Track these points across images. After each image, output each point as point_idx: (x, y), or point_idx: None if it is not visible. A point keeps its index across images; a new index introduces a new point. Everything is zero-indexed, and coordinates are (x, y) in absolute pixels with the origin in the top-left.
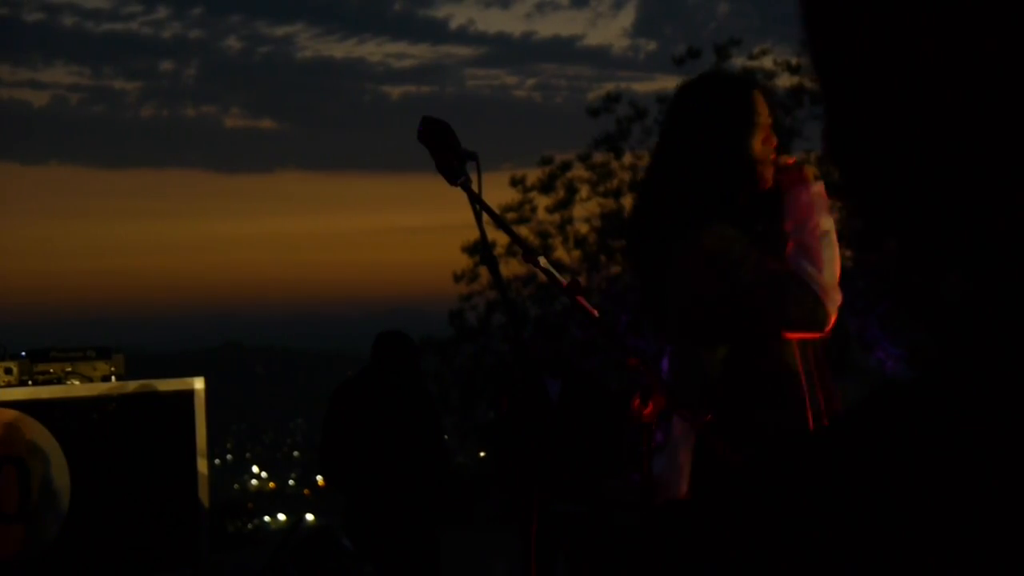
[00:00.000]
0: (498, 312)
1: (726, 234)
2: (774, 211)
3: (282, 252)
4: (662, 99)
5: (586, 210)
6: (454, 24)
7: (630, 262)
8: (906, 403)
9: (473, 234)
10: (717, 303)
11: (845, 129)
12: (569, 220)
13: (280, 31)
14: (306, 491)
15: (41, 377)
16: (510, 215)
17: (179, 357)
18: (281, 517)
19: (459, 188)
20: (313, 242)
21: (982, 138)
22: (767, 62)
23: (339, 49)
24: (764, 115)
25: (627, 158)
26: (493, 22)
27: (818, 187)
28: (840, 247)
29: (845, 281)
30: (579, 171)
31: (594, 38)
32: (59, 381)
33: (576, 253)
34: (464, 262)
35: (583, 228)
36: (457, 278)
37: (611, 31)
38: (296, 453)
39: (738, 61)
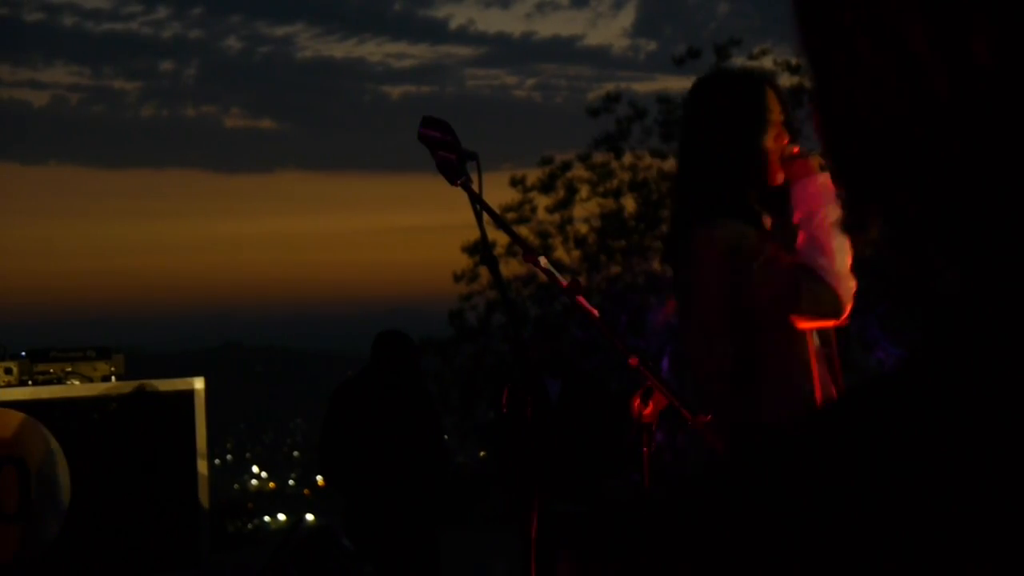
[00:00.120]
0: (498, 312)
1: (739, 229)
2: (785, 207)
3: (282, 252)
4: (662, 99)
5: (586, 210)
6: (454, 24)
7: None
8: (889, 395)
9: (473, 234)
10: (732, 296)
11: (837, 119)
12: (569, 220)
13: (280, 31)
14: (306, 491)
15: (41, 377)
16: (510, 215)
17: (179, 357)
18: (281, 517)
19: (459, 188)
20: (313, 242)
21: (974, 126)
22: (767, 62)
23: (339, 49)
24: (776, 112)
25: (627, 158)
26: (493, 22)
27: (825, 177)
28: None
29: None
30: (579, 171)
31: (594, 38)
32: (59, 381)
33: (576, 253)
34: (464, 262)
35: (583, 228)
36: (457, 278)
37: (611, 31)
38: (296, 453)
39: (738, 61)
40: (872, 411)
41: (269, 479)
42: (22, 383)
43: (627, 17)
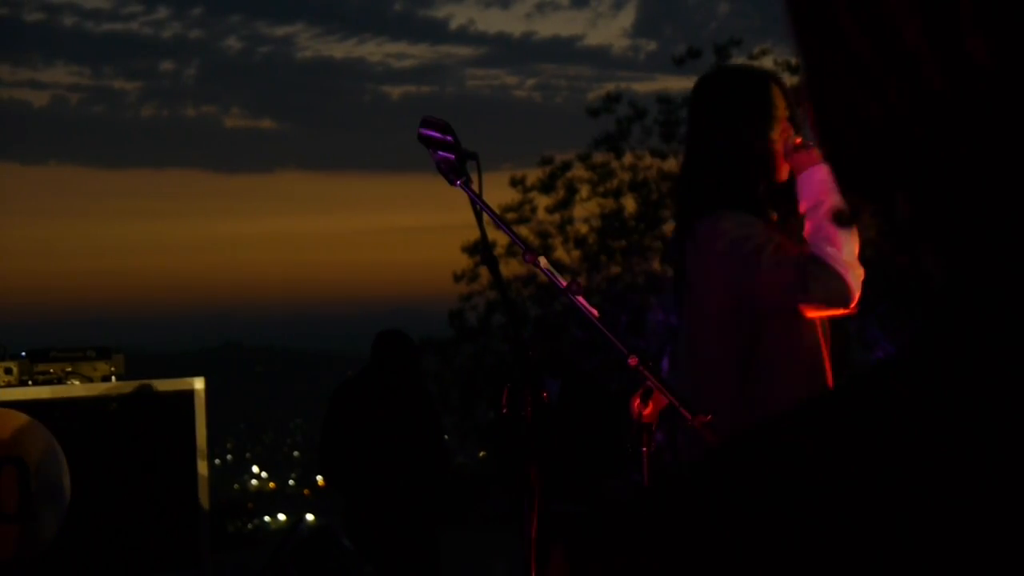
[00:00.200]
0: (498, 312)
1: (746, 219)
2: (790, 202)
3: (282, 252)
4: (662, 99)
5: (586, 210)
6: (454, 24)
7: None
8: (881, 389)
9: (473, 234)
10: (739, 287)
11: (832, 117)
12: (569, 220)
13: (280, 31)
14: (306, 491)
15: (41, 377)
16: (510, 215)
17: (179, 357)
18: (281, 517)
19: (459, 188)
20: (313, 242)
21: (972, 124)
22: (767, 62)
23: (339, 49)
24: (781, 107)
25: (627, 158)
26: (493, 22)
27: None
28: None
29: None
30: (579, 171)
31: (594, 38)
32: (59, 381)
33: (576, 253)
34: (464, 262)
35: (583, 228)
36: (457, 278)
37: (611, 31)
38: (296, 453)
39: (738, 61)
40: (865, 405)
41: (269, 479)
42: (22, 383)
43: (627, 17)
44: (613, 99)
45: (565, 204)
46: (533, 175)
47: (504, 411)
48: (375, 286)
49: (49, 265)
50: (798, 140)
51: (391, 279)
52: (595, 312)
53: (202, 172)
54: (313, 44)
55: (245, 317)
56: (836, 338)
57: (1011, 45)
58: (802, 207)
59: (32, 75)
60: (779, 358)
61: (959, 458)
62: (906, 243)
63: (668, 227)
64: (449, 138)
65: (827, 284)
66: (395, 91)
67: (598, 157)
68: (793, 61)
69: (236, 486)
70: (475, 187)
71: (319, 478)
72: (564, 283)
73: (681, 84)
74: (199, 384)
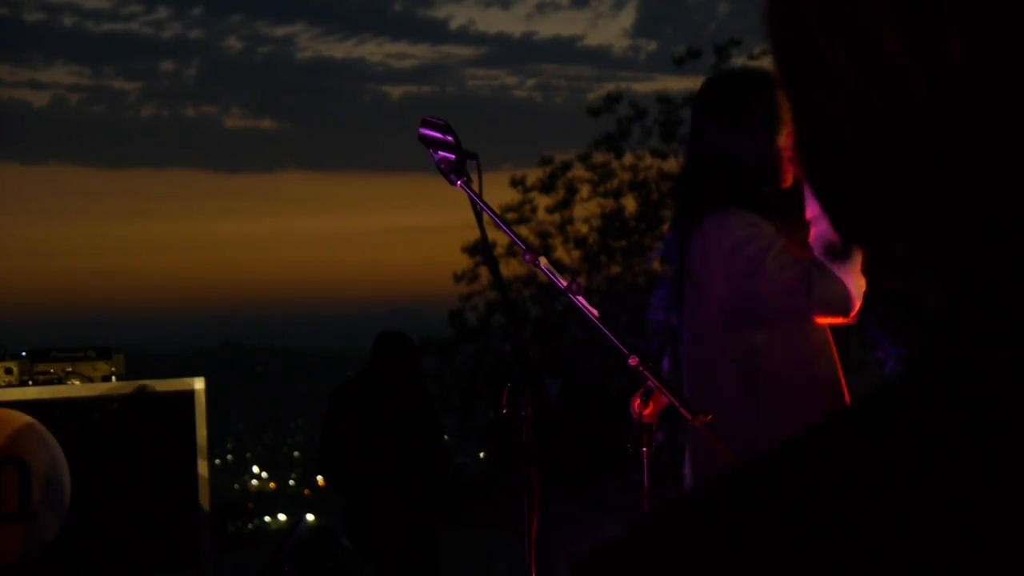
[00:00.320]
0: (498, 312)
1: (753, 219)
2: (796, 207)
3: (282, 252)
4: (662, 99)
5: (586, 210)
6: (454, 24)
7: (663, 255)
8: (894, 411)
9: (473, 234)
10: (743, 286)
11: (812, 132)
12: (569, 220)
13: (280, 31)
14: (306, 491)
15: (41, 377)
16: (510, 215)
17: (179, 357)
18: (282, 517)
19: (460, 188)
20: (313, 242)
21: (953, 133)
22: (767, 63)
23: (339, 49)
24: (787, 111)
25: (627, 158)
26: (493, 22)
27: None
28: None
29: None
30: (579, 171)
31: (594, 38)
32: (59, 381)
33: (576, 253)
34: (464, 262)
35: (583, 228)
36: (457, 278)
37: (611, 31)
38: (296, 453)
39: (738, 61)
40: (877, 432)
41: (269, 479)
42: (23, 383)
43: (627, 17)
44: (613, 99)
45: (565, 204)
46: (533, 175)
47: (504, 411)
48: (375, 286)
49: (49, 265)
50: None
51: (391, 279)
52: (595, 312)
53: (202, 172)
54: (313, 44)
55: (245, 317)
56: (838, 338)
57: (991, 45)
58: (809, 213)
59: (32, 75)
60: (784, 357)
61: (978, 482)
62: (898, 269)
63: (668, 227)
64: (449, 138)
65: (830, 290)
66: (395, 91)
67: (598, 157)
68: None
69: (236, 486)
70: (475, 187)
71: (319, 478)
72: (564, 283)
73: (681, 84)
74: (199, 384)
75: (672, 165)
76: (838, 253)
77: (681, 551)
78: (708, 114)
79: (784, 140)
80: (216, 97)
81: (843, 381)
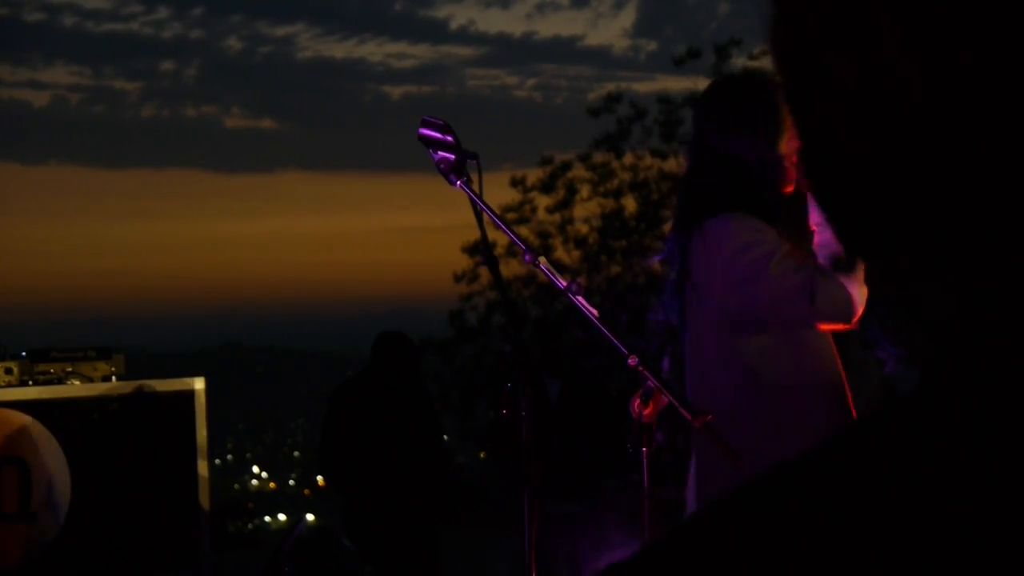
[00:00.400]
0: (498, 312)
1: (756, 224)
2: (798, 213)
3: (282, 252)
4: (663, 99)
5: (586, 210)
6: (454, 24)
7: (664, 257)
8: (912, 424)
9: (473, 234)
10: (746, 290)
11: (816, 141)
12: (569, 220)
13: (281, 31)
14: (306, 491)
15: (42, 377)
16: (510, 215)
17: (179, 357)
18: (282, 517)
19: (460, 188)
20: (313, 242)
21: (955, 139)
22: (767, 63)
23: (339, 49)
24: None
25: (628, 158)
26: (493, 22)
27: None
28: None
29: None
30: (579, 171)
31: (594, 38)
32: (60, 381)
33: (576, 253)
34: (464, 262)
35: (583, 228)
36: (457, 278)
37: (611, 31)
38: (296, 453)
39: (738, 61)
40: (892, 445)
41: (270, 479)
42: (23, 383)
43: (628, 17)
44: (613, 99)
45: (565, 204)
46: (533, 175)
47: (504, 411)
48: (375, 286)
49: (50, 265)
50: None
51: (391, 279)
52: (595, 312)
53: (202, 172)
54: (313, 44)
55: (245, 317)
56: (838, 339)
57: (995, 54)
58: (813, 219)
59: (32, 75)
60: (785, 360)
61: (1001, 494)
62: (903, 280)
63: (668, 227)
64: (449, 138)
65: (832, 297)
66: (395, 91)
67: (598, 157)
68: None
69: (236, 486)
70: (475, 187)
71: (319, 478)
72: (564, 283)
73: (681, 84)
74: (199, 384)
75: (672, 165)
76: (843, 266)
77: (704, 565)
78: (711, 118)
79: (787, 145)
80: (216, 97)
81: (846, 384)
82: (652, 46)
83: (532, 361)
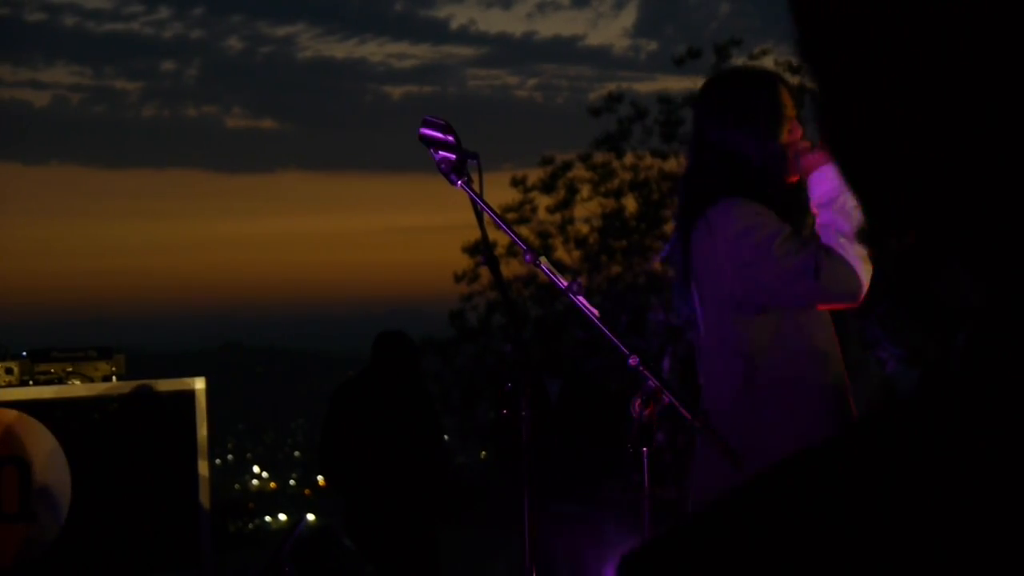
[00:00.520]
0: (499, 312)
1: (760, 209)
2: (797, 204)
3: (283, 252)
4: (663, 99)
5: (587, 210)
6: (455, 24)
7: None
8: (926, 418)
9: (474, 234)
10: (751, 273)
11: (841, 121)
12: (570, 220)
13: (281, 31)
14: (307, 491)
15: (42, 377)
16: (511, 215)
17: (180, 357)
18: (282, 517)
19: (460, 188)
20: (314, 242)
21: (987, 130)
22: (768, 62)
23: (340, 49)
24: (790, 107)
25: (628, 158)
26: (494, 22)
27: None
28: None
29: None
30: (580, 171)
31: (595, 38)
32: (60, 381)
33: (577, 253)
34: (465, 262)
35: (584, 228)
36: (458, 278)
37: (612, 31)
38: (297, 453)
39: (738, 61)
40: (915, 436)
41: (270, 479)
42: (23, 383)
43: (628, 17)
44: (614, 99)
45: (566, 204)
46: (534, 175)
47: (504, 411)
48: (376, 286)
49: (50, 265)
50: (808, 144)
51: (392, 279)
52: (596, 312)
53: (203, 172)
54: (314, 44)
55: (246, 317)
56: (839, 338)
57: (1014, 42)
58: (814, 203)
59: (33, 75)
60: (789, 349)
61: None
62: (929, 270)
63: (669, 227)
64: (450, 138)
65: (838, 274)
66: (396, 91)
67: (599, 157)
68: (794, 61)
69: (237, 486)
70: (476, 187)
71: (320, 478)
72: (565, 283)
73: (682, 84)
74: (200, 384)
75: (673, 165)
76: (870, 243)
77: (724, 554)
78: (709, 112)
79: (787, 136)
80: (217, 97)
81: (846, 380)
82: (653, 46)
83: (532, 361)
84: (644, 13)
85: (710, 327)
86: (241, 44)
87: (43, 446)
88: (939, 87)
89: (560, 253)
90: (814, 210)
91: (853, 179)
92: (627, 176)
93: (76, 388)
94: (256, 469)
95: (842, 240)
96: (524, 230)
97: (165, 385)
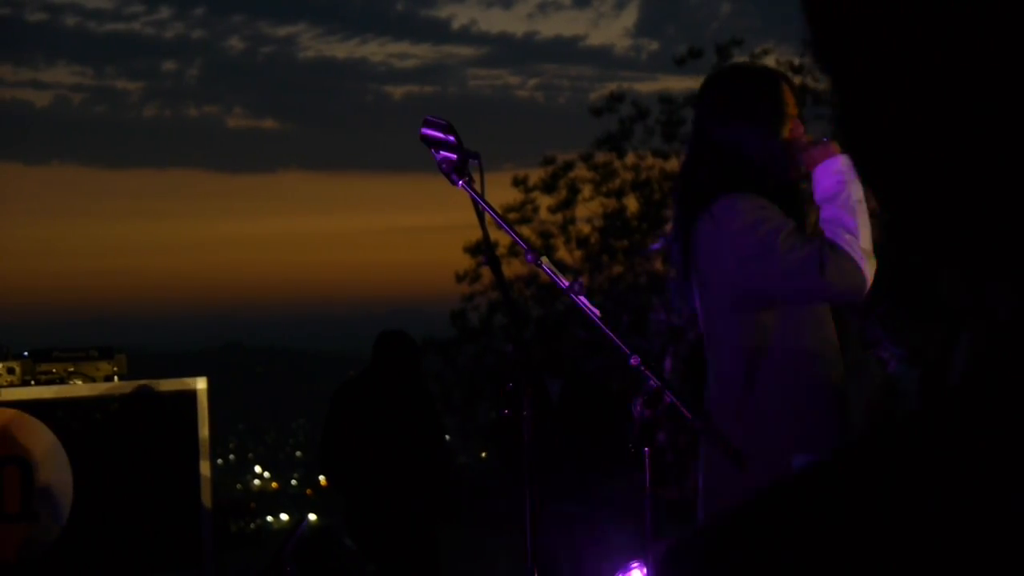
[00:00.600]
0: (500, 312)
1: (763, 203)
2: (797, 201)
3: (284, 252)
4: (664, 99)
5: (588, 210)
6: (456, 24)
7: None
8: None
9: (475, 234)
10: (755, 267)
11: (858, 119)
12: (571, 220)
13: (282, 31)
14: (309, 491)
15: (44, 377)
16: (512, 215)
17: (181, 357)
18: (284, 517)
19: (461, 188)
20: (315, 242)
21: (1004, 131)
22: (769, 61)
23: (341, 49)
24: (792, 105)
25: (629, 158)
26: (495, 22)
27: (846, 158)
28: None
29: None
30: (581, 171)
31: (596, 38)
32: (62, 381)
33: (578, 253)
34: (466, 262)
35: (585, 228)
36: (459, 278)
37: (613, 31)
38: (299, 453)
39: (739, 61)
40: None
41: (272, 479)
42: (25, 383)
43: (629, 17)
44: (615, 99)
45: (567, 204)
46: (535, 175)
47: (505, 411)
48: (377, 286)
49: (51, 265)
50: (810, 139)
51: (393, 279)
52: (597, 312)
53: (204, 172)
54: (315, 44)
55: (247, 317)
56: (840, 338)
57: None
58: (817, 197)
59: (34, 75)
60: (791, 346)
61: None
62: (964, 279)
63: (670, 227)
64: (451, 138)
65: (843, 269)
66: (397, 91)
67: (600, 157)
68: (795, 61)
69: (239, 486)
70: (477, 187)
71: (321, 478)
72: (566, 283)
73: (683, 84)
74: (201, 384)
75: (674, 165)
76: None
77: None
78: (710, 109)
79: (788, 132)
80: (218, 97)
81: (843, 379)
82: (654, 46)
83: (534, 361)
84: (645, 13)
85: (711, 323)
86: (242, 44)
87: (44, 446)
88: (959, 85)
89: (561, 253)
90: (818, 201)
91: (872, 178)
92: (628, 176)
93: (78, 388)
94: (258, 469)
95: (846, 235)
96: (525, 230)
97: (166, 385)
